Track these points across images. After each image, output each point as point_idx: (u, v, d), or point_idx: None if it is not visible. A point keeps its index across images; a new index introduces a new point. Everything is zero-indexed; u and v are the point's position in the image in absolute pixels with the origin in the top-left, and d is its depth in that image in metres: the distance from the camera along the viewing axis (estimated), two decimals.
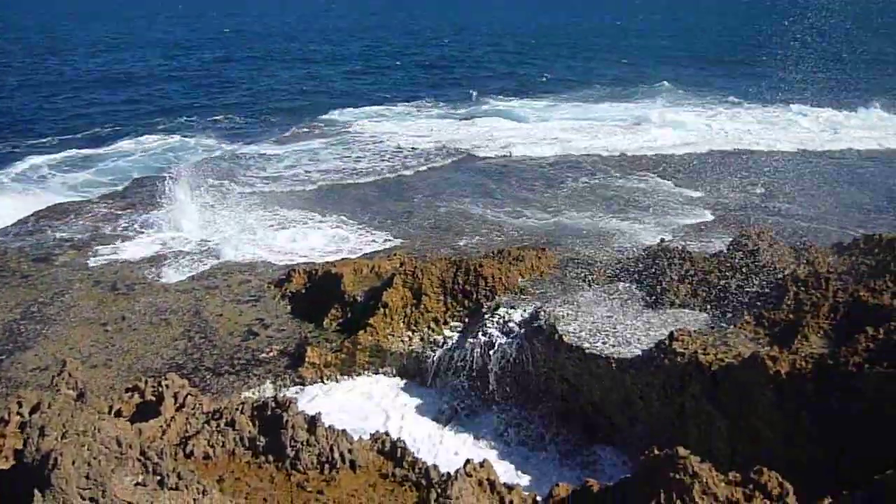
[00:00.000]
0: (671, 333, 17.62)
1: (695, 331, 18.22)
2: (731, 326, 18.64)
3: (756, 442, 14.93)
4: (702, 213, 35.95)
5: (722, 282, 20.63)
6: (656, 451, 10.43)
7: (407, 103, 72.63)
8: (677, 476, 9.69)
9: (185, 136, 57.34)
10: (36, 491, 7.55)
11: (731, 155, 49.34)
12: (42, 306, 24.54)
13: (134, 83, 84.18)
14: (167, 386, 12.89)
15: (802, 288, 18.82)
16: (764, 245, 21.17)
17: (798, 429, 14.23)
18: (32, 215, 35.12)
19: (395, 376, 21.88)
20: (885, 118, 62.04)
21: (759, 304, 19.43)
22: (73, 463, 7.85)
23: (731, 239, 23.31)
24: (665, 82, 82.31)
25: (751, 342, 17.61)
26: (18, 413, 11.58)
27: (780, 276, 19.84)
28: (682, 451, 10.00)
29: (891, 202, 38.04)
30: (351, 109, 67.73)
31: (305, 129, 57.97)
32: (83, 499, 7.78)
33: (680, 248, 22.59)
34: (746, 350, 16.64)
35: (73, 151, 51.80)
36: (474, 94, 77.71)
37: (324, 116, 64.11)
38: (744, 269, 20.72)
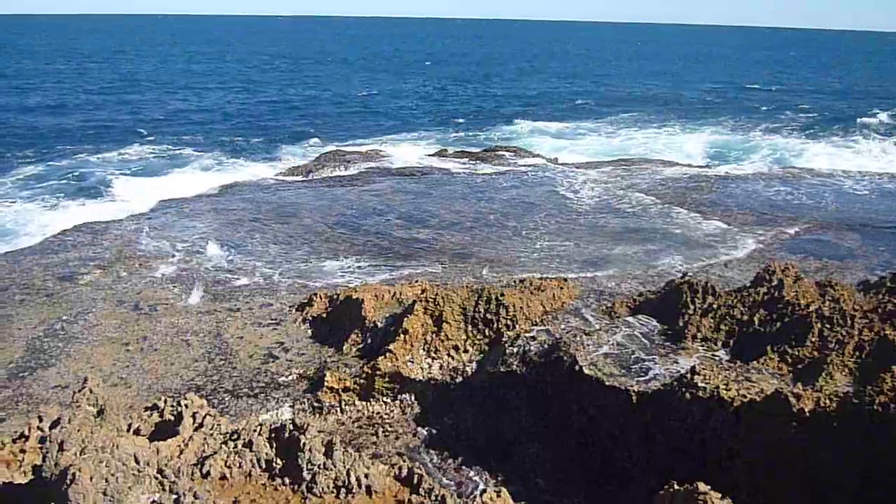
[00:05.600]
0: (692, 367, 17.47)
1: (717, 365, 18.04)
2: (754, 362, 18.44)
3: (778, 480, 14.69)
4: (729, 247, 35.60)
5: (745, 317, 20.44)
6: (676, 486, 10.30)
7: (423, 131, 73.74)
8: None
9: (200, 153, 58.61)
10: None
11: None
12: (65, 324, 24.78)
13: (168, 107, 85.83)
14: (186, 406, 12.92)
15: (827, 325, 18.62)
16: (788, 281, 20.98)
17: (821, 468, 14.00)
18: (59, 234, 35.61)
19: (413, 403, 21.80)
20: None
21: (782, 340, 19.22)
22: (91, 479, 7.88)
23: (755, 273, 23.10)
24: None
25: (774, 378, 17.41)
26: (38, 428, 11.64)
27: (804, 312, 19.63)
28: (702, 486, 9.87)
29: None
30: (368, 136, 68.84)
31: (325, 159, 58.34)
32: None
33: (703, 281, 22.42)
34: (769, 386, 16.44)
35: (98, 169, 52.94)
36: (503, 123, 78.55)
37: (346, 143, 64.83)
38: (767, 305, 20.53)
